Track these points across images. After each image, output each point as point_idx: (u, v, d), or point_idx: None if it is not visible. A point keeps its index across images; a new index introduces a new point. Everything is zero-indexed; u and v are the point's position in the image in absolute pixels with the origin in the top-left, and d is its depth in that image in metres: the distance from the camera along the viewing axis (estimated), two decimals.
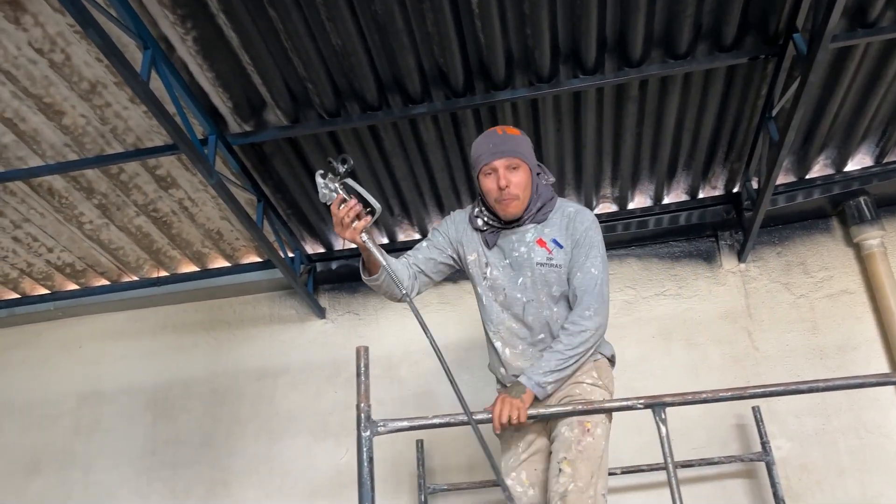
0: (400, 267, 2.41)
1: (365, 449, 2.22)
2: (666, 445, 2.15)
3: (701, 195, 4.33)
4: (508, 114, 3.59)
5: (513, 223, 2.36)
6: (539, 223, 2.37)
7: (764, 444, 3.83)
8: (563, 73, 3.38)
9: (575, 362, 2.24)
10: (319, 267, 4.73)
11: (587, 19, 3.07)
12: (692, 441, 3.98)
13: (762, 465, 3.86)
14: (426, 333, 2.16)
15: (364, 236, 2.14)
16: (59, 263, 4.59)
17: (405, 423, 2.34)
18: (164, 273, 4.76)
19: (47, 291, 4.86)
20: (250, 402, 4.60)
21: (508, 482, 2.37)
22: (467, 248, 2.45)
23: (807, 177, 4.20)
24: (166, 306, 4.94)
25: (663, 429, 2.18)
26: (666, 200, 4.35)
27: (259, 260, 4.69)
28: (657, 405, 2.20)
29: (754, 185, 4.07)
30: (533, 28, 3.10)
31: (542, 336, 2.37)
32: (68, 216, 4.15)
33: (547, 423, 2.40)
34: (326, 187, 2.13)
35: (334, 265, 4.71)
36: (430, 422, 2.35)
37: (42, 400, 4.84)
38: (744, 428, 4.02)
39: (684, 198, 4.34)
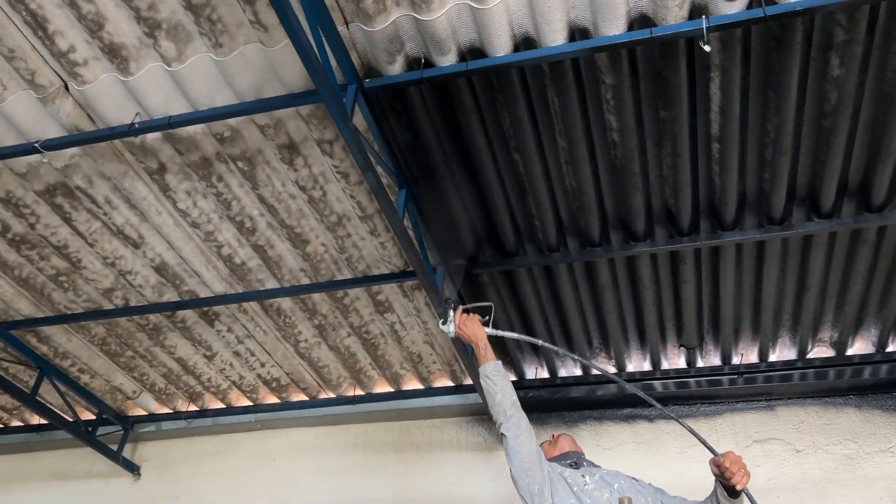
0: None
1: None
2: None
3: None
4: (731, 254, 3.55)
5: None
6: None
7: None
8: (795, 216, 3.33)
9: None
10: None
11: (831, 164, 3.05)
12: None
13: None
14: None
15: None
16: (267, 377, 4.86)
17: None
18: (360, 392, 4.92)
19: (250, 403, 5.13)
20: None
21: None
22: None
23: None
24: (357, 424, 5.06)
25: None
26: (891, 348, 4.07)
27: (451, 384, 4.76)
28: None
29: None
30: (772, 172, 3.11)
31: None
32: (287, 334, 4.43)
33: None
34: None
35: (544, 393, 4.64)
36: None
37: None
38: None
39: None
